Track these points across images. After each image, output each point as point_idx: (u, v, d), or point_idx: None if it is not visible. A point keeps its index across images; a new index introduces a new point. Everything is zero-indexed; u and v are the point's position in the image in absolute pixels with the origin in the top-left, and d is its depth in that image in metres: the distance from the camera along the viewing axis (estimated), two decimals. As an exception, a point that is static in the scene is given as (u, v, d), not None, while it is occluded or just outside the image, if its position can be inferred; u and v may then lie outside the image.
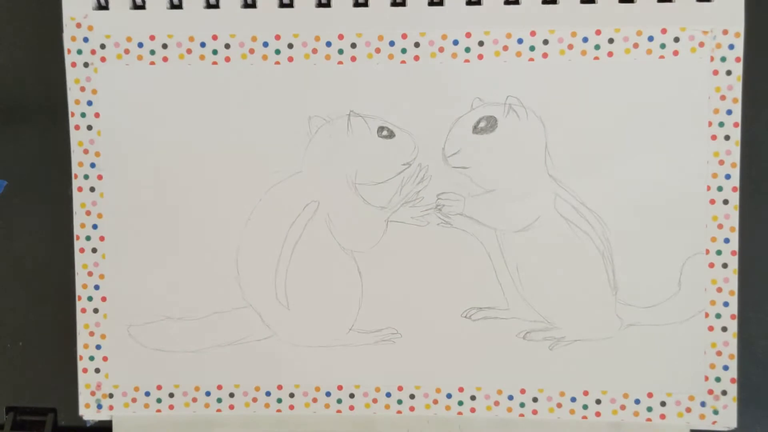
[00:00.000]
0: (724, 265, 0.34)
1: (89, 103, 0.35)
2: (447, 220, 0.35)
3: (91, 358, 0.36)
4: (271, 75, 0.34)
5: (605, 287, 0.35)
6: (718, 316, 0.34)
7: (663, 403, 0.35)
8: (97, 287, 0.35)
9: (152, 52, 0.34)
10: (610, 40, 0.34)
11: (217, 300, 0.35)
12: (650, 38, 0.34)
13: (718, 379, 0.34)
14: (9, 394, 0.37)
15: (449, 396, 0.35)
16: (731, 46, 0.33)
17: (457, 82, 0.34)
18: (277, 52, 0.34)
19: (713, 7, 0.33)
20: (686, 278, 0.34)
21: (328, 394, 0.36)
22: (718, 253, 0.34)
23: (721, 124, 0.34)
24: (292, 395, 0.36)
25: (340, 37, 0.34)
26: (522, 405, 0.35)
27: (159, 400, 0.36)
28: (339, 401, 0.36)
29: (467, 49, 0.34)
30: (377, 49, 0.34)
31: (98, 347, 0.36)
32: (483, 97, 0.34)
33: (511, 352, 0.35)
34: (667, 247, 0.34)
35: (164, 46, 0.34)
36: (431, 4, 0.34)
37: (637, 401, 0.35)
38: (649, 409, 0.35)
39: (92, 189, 0.35)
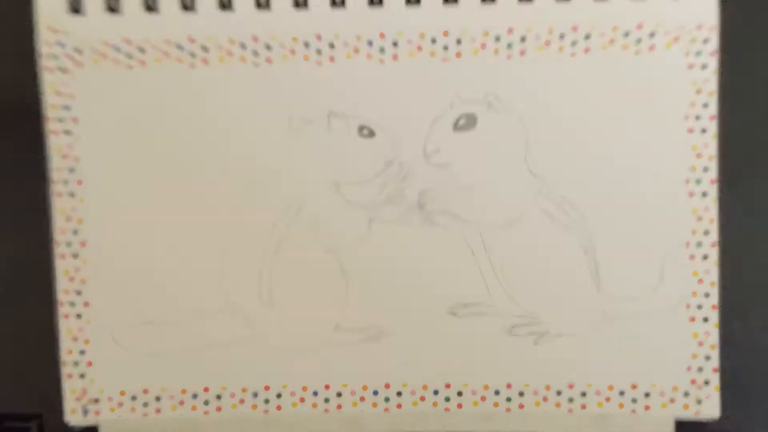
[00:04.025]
0: (705, 257, 0.35)
1: (66, 108, 0.35)
2: (430, 218, 0.35)
3: (76, 364, 0.36)
4: (250, 77, 0.34)
5: (588, 281, 0.35)
6: (699, 307, 0.35)
7: (647, 395, 0.35)
8: (79, 293, 0.35)
9: (129, 56, 0.34)
10: (587, 36, 0.34)
11: (201, 302, 0.35)
12: (626, 34, 0.34)
13: (700, 369, 0.35)
14: (-7, 402, 0.37)
15: (436, 392, 0.36)
16: (706, 40, 0.34)
17: (435, 81, 0.34)
18: (255, 54, 0.34)
19: (688, 1, 0.34)
20: (668, 270, 0.35)
21: (315, 393, 0.36)
22: (699, 245, 0.35)
23: (698, 118, 0.34)
24: (279, 396, 0.36)
25: (318, 37, 0.34)
26: (508, 399, 0.35)
27: (145, 404, 0.36)
28: (326, 400, 0.36)
29: (445, 48, 0.34)
30: (355, 49, 0.34)
31: (82, 353, 0.36)
32: (462, 95, 0.34)
33: (497, 348, 0.35)
34: (648, 240, 0.35)
35: (141, 49, 0.34)
36: (408, 3, 0.34)
37: (622, 393, 0.35)
38: (634, 400, 0.35)
39: (72, 194, 0.35)
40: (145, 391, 0.36)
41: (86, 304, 0.35)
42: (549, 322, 0.35)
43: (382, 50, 0.34)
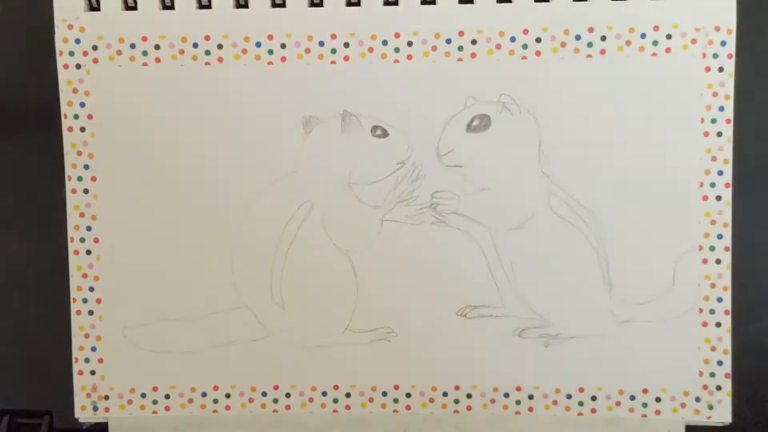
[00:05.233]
0: (718, 261, 0.34)
1: (82, 104, 0.35)
2: (441, 219, 0.35)
3: (87, 360, 0.36)
4: (265, 75, 0.34)
5: (600, 284, 0.35)
6: (712, 311, 0.34)
7: (658, 399, 0.35)
8: (92, 289, 0.35)
9: (144, 53, 0.34)
10: (603, 38, 0.34)
11: (213, 301, 0.35)
12: (642, 35, 0.34)
13: (712, 374, 0.35)
14: (4, 397, 0.37)
15: (445, 394, 0.35)
16: (723, 43, 0.34)
17: (450, 81, 0.34)
18: (270, 52, 0.34)
19: (705, 3, 0.33)
20: (680, 274, 0.34)
21: (324, 393, 0.36)
22: (712, 249, 0.34)
23: (714, 121, 0.34)
24: (288, 395, 0.36)
25: (333, 36, 0.34)
26: (518, 402, 0.35)
27: (155, 402, 0.36)
28: (335, 401, 0.36)
29: (460, 48, 0.34)
30: (370, 49, 0.34)
31: (93, 349, 0.36)
32: (476, 96, 0.34)
33: (507, 350, 0.35)
34: (660, 243, 0.34)
35: (156, 47, 0.34)
36: (424, 3, 0.34)
37: (632, 397, 0.35)
38: (644, 405, 0.35)
39: (86, 191, 0.35)
40: (155, 389, 0.36)
41: (99, 301, 0.35)
42: (560, 324, 0.35)
43: (396, 50, 0.34)
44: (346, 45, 0.34)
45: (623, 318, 0.35)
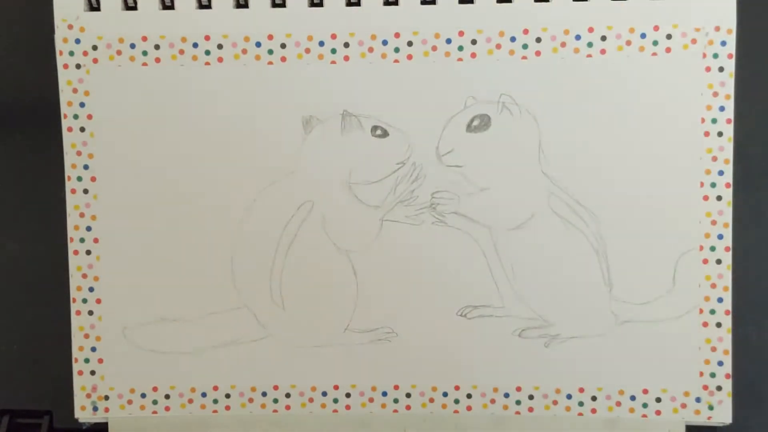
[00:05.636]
0: (718, 261, 0.34)
1: (82, 104, 0.35)
2: (441, 219, 0.35)
3: (87, 360, 0.36)
4: (264, 75, 0.34)
5: (600, 284, 0.35)
6: (712, 311, 0.34)
7: (658, 399, 0.35)
8: (91, 289, 0.35)
9: (144, 53, 0.34)
10: (603, 38, 0.34)
11: (212, 301, 0.35)
12: (642, 35, 0.34)
13: (713, 375, 0.35)
14: (4, 397, 0.37)
15: (445, 394, 0.35)
16: (723, 43, 0.34)
17: (450, 81, 0.34)
18: (270, 52, 0.34)
19: (705, 3, 0.33)
20: (680, 274, 0.34)
21: (324, 393, 0.36)
22: (712, 249, 0.34)
23: (714, 121, 0.34)
24: (288, 395, 0.36)
25: (333, 36, 0.34)
26: (518, 402, 0.35)
27: (155, 402, 0.36)
28: (335, 401, 0.36)
29: (460, 48, 0.34)
30: (370, 48, 0.34)
31: (93, 349, 0.36)
32: (476, 96, 0.34)
33: (507, 350, 0.35)
34: (661, 243, 0.34)
35: (156, 47, 0.34)
36: (424, 2, 0.34)
37: (633, 397, 0.35)
38: (645, 405, 0.35)
39: (86, 191, 0.35)
40: (155, 389, 0.36)
41: (98, 301, 0.35)
42: (560, 324, 0.35)
43: (396, 50, 0.34)
44: (346, 45, 0.34)
45: (623, 318, 0.35)
